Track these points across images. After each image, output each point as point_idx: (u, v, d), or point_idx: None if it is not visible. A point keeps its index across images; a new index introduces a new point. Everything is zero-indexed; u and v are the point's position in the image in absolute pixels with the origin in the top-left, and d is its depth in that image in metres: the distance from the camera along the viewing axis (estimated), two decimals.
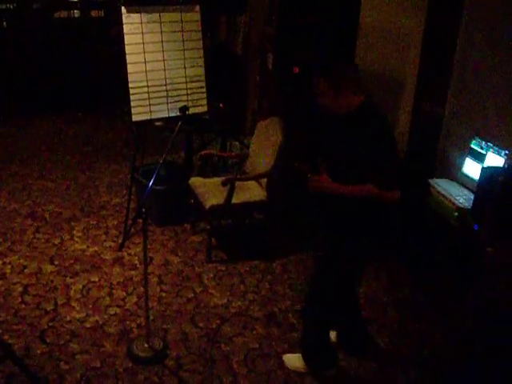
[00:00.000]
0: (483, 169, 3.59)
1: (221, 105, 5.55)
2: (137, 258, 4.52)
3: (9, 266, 4.32)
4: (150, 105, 4.43)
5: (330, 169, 2.99)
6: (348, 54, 5.47)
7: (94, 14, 8.78)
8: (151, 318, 3.67)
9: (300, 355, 3.41)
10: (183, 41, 4.50)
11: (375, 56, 5.24)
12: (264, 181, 4.60)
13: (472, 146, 3.98)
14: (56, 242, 4.71)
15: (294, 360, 3.44)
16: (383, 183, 2.82)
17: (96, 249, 4.65)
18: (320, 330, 3.34)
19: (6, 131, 7.52)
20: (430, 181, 4.16)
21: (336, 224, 3.14)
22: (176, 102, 4.46)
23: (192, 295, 4.10)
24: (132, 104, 4.35)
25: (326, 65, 2.99)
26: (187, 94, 4.56)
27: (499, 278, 3.26)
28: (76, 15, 8.66)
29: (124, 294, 4.07)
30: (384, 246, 3.21)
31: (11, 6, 8.02)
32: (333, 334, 3.57)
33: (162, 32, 4.41)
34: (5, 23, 8.06)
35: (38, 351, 3.43)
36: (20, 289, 4.05)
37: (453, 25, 4.27)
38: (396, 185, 2.87)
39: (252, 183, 4.71)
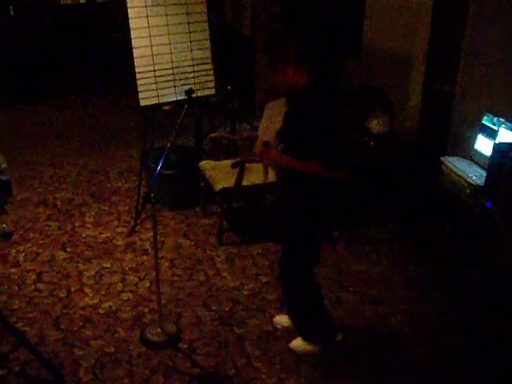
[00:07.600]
0: (495, 145, 3.54)
1: (228, 87, 5.50)
2: (148, 242, 4.52)
3: (22, 254, 4.35)
4: (157, 89, 4.39)
5: (286, 149, 3.04)
6: (355, 33, 5.40)
7: None
8: (164, 302, 3.68)
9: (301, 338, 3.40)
10: (189, 23, 4.45)
11: (383, 35, 5.17)
12: None
13: (484, 122, 3.92)
14: (68, 229, 4.73)
15: (299, 344, 3.40)
16: (326, 162, 2.86)
17: (108, 235, 4.66)
18: (306, 302, 3.31)
19: (15, 119, 7.54)
20: (442, 159, 4.12)
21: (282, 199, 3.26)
22: (183, 85, 4.41)
23: (204, 278, 4.10)
24: (139, 89, 4.31)
25: (281, 39, 3.03)
26: (194, 77, 4.52)
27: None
28: (82, 1, 8.65)
29: (136, 279, 4.08)
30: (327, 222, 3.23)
31: None
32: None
33: (167, 15, 4.36)
34: (12, 11, 8.04)
35: (52, 338, 3.45)
36: (33, 276, 4.07)
37: (462, 1, 4.20)
38: (338, 165, 2.91)
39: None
